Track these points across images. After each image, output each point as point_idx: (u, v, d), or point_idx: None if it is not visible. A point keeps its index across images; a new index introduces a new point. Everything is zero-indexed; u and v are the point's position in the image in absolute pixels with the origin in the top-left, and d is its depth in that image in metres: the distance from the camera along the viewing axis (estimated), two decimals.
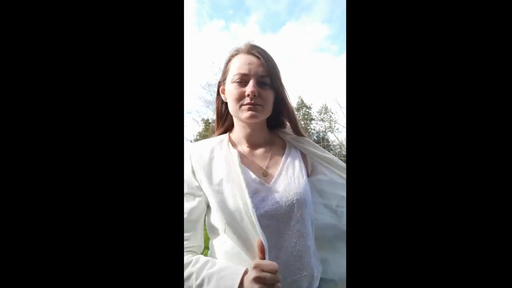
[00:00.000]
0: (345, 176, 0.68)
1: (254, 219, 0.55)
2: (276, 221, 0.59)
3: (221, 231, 0.61)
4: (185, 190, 0.62)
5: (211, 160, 0.62)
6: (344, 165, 0.69)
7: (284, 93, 0.67)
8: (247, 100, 0.60)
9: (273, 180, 0.64)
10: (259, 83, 0.61)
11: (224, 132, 0.72)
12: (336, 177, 0.69)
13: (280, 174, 0.65)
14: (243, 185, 0.57)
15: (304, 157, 0.71)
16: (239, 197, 0.57)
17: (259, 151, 0.68)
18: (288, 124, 0.74)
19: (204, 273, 0.53)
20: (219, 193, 0.59)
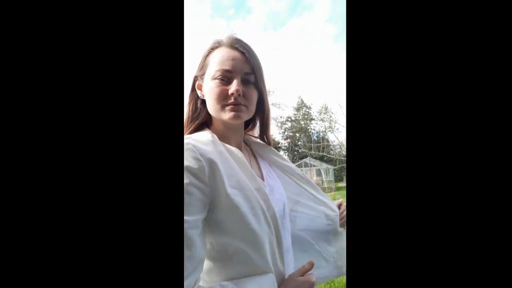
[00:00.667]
0: (301, 183, 0.70)
1: (277, 217, 0.54)
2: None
3: (231, 243, 0.52)
4: (190, 195, 0.47)
5: (221, 157, 0.53)
6: (301, 172, 0.71)
7: (266, 93, 0.62)
8: (230, 99, 0.54)
9: (266, 182, 0.64)
10: (244, 81, 0.56)
11: (193, 132, 0.61)
12: (292, 183, 0.70)
13: (267, 176, 0.66)
14: (261, 184, 0.55)
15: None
16: (259, 197, 0.53)
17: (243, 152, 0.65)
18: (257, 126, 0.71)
19: None
20: (236, 196, 0.51)
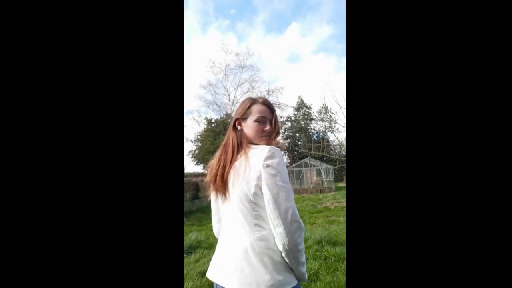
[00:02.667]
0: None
1: None
2: None
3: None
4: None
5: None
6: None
7: (279, 129, 1.06)
8: (265, 133, 1.00)
9: None
10: (270, 124, 1.02)
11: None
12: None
13: None
14: None
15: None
16: None
17: None
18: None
19: None
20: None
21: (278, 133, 1.06)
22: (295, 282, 0.77)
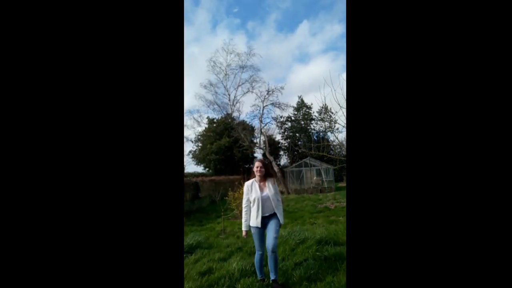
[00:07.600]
0: (275, 192, 2.80)
1: (261, 199, 2.82)
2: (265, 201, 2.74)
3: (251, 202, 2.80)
4: (246, 194, 2.83)
5: (252, 185, 2.86)
6: (277, 190, 2.90)
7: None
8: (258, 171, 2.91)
9: (265, 191, 2.86)
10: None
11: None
12: (273, 191, 2.85)
13: (267, 188, 2.84)
14: (259, 193, 2.81)
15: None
16: (258, 195, 2.75)
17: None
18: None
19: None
20: (253, 195, 2.77)
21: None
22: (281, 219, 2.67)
